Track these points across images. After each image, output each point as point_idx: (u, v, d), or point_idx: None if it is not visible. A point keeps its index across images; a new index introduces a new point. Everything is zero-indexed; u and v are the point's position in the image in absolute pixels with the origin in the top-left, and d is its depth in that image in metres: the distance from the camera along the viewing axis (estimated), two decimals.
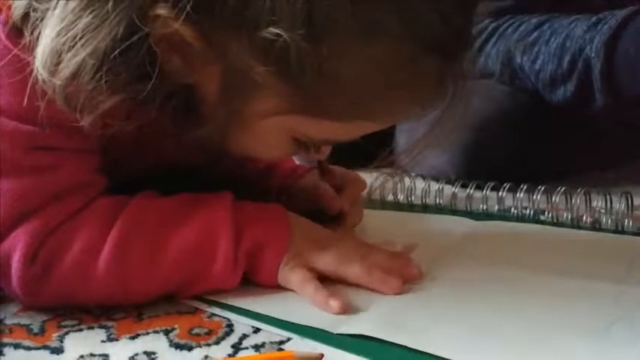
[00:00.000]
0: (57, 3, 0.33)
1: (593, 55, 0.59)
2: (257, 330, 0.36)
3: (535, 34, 0.65)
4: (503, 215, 0.56)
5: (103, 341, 0.35)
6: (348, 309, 0.37)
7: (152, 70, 0.33)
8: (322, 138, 0.38)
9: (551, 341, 0.33)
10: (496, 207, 0.57)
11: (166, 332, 0.36)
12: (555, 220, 0.54)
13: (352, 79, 0.33)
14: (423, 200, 0.61)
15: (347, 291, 0.39)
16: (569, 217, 0.54)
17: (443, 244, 0.48)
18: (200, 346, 0.35)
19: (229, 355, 0.34)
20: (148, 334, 0.36)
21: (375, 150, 0.42)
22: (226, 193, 0.41)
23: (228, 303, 0.39)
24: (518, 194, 0.56)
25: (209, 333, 0.36)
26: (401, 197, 0.63)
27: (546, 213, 0.55)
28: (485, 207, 0.57)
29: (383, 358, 0.33)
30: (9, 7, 0.35)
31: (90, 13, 0.32)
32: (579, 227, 0.53)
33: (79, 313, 0.38)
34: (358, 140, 0.38)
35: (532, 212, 0.55)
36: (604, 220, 0.52)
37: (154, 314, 0.38)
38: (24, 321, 0.38)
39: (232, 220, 0.39)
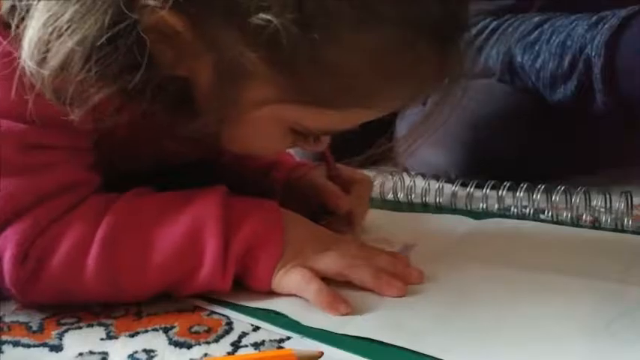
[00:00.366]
0: None
1: (593, 54, 0.59)
2: (256, 328, 0.36)
3: (536, 33, 0.65)
4: (503, 214, 0.56)
5: (102, 339, 0.35)
6: (353, 312, 0.36)
7: (142, 60, 0.32)
8: (320, 127, 0.37)
9: (552, 340, 0.33)
10: (496, 206, 0.57)
11: (166, 330, 0.36)
12: (555, 219, 0.54)
13: (347, 66, 0.32)
14: (423, 199, 0.61)
15: (347, 293, 0.38)
16: (569, 216, 0.54)
17: (443, 243, 0.48)
18: (199, 344, 0.34)
19: (229, 353, 0.34)
20: (147, 331, 0.36)
21: (373, 138, 0.41)
22: (218, 187, 0.40)
23: (228, 300, 0.39)
24: (518, 193, 0.56)
25: (208, 331, 0.36)
26: (401, 196, 0.63)
27: (546, 212, 0.55)
28: (485, 206, 0.57)
29: (383, 358, 0.33)
30: None
31: (76, 1, 0.32)
32: (579, 226, 0.53)
33: (78, 311, 0.38)
34: (357, 129, 0.37)
35: (532, 211, 0.55)
36: (604, 219, 0.52)
37: (154, 312, 0.38)
38: (23, 318, 0.38)
39: (222, 218, 0.38)
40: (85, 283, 0.37)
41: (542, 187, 0.55)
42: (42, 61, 0.33)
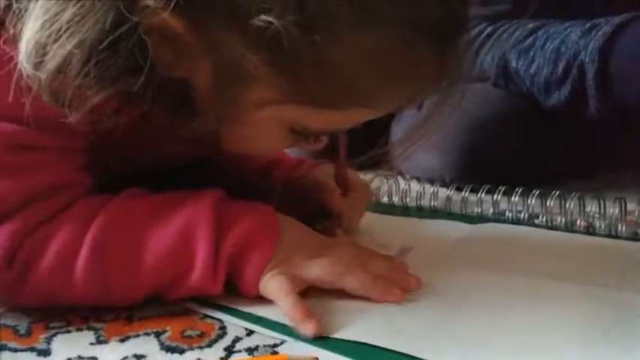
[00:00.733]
0: None
1: (587, 60, 0.60)
2: (250, 332, 0.36)
3: (530, 38, 0.65)
4: (498, 219, 0.56)
5: (91, 343, 0.35)
6: (321, 334, 0.34)
7: (144, 63, 0.32)
8: (320, 127, 0.37)
9: (548, 346, 0.33)
10: (491, 210, 0.57)
11: (157, 334, 0.35)
12: (549, 224, 0.54)
13: (347, 67, 0.32)
14: (418, 202, 0.61)
15: (343, 296, 0.38)
16: (564, 221, 0.54)
17: (438, 248, 0.48)
18: (192, 349, 0.34)
19: (222, 358, 0.33)
20: (138, 336, 0.35)
21: (369, 142, 0.40)
22: (212, 190, 0.39)
23: (221, 304, 0.38)
24: (512, 198, 0.56)
25: (201, 335, 0.35)
26: (396, 199, 0.62)
27: (540, 217, 0.55)
28: (479, 210, 0.57)
29: None
30: None
31: (75, 3, 0.31)
32: (573, 231, 0.53)
33: (67, 315, 0.37)
34: (354, 132, 0.37)
35: (526, 216, 0.55)
36: (598, 225, 0.53)
37: (145, 316, 0.37)
38: (10, 322, 0.37)
39: (214, 221, 0.37)
40: (74, 286, 0.36)
41: (537, 192, 0.55)
42: (39, 64, 0.32)
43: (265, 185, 0.49)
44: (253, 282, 0.38)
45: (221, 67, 0.33)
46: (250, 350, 0.34)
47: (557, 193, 0.54)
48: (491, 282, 0.41)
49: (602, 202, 0.53)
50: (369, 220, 0.53)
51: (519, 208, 0.56)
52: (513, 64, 0.66)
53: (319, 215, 0.45)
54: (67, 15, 0.31)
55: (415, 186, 0.62)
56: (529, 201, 0.55)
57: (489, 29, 0.68)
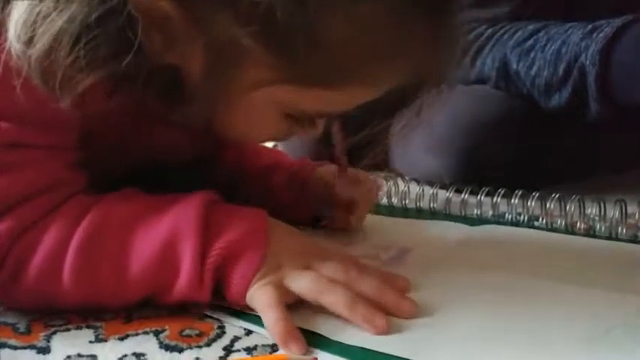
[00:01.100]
0: None
1: (588, 62, 0.60)
2: (249, 332, 0.36)
3: (531, 40, 0.65)
4: (498, 221, 0.56)
5: (91, 342, 0.35)
6: (306, 353, 0.33)
7: (134, 39, 0.31)
8: (315, 109, 0.36)
9: (550, 348, 0.33)
10: (490, 212, 0.57)
11: (156, 333, 0.35)
12: (549, 227, 0.54)
13: (341, 41, 0.32)
14: (417, 204, 0.61)
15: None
16: (564, 223, 0.54)
17: (438, 249, 0.48)
18: (191, 348, 0.34)
19: (221, 358, 0.33)
20: (137, 334, 0.35)
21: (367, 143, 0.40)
22: (203, 193, 0.38)
23: (220, 304, 0.38)
24: (512, 200, 0.56)
25: (200, 335, 0.35)
26: (395, 201, 0.62)
27: (540, 219, 0.55)
28: (479, 212, 0.57)
29: None
30: None
31: None
32: (573, 234, 0.53)
33: (66, 313, 0.37)
34: (353, 131, 0.37)
35: (526, 218, 0.55)
36: (598, 227, 0.53)
37: (144, 315, 0.37)
38: (10, 319, 0.37)
39: (201, 227, 0.35)
40: (63, 288, 0.35)
41: (537, 194, 0.55)
42: (29, 42, 0.31)
43: (265, 185, 0.49)
44: (240, 292, 0.36)
45: (214, 50, 0.33)
46: (249, 350, 0.34)
47: (557, 195, 0.54)
48: (490, 284, 0.41)
49: (602, 204, 0.53)
50: (369, 221, 0.53)
51: (519, 210, 0.56)
52: (514, 65, 0.66)
53: (325, 207, 0.45)
54: None
55: (414, 188, 0.62)
56: (529, 203, 0.55)
57: (489, 31, 0.68)
